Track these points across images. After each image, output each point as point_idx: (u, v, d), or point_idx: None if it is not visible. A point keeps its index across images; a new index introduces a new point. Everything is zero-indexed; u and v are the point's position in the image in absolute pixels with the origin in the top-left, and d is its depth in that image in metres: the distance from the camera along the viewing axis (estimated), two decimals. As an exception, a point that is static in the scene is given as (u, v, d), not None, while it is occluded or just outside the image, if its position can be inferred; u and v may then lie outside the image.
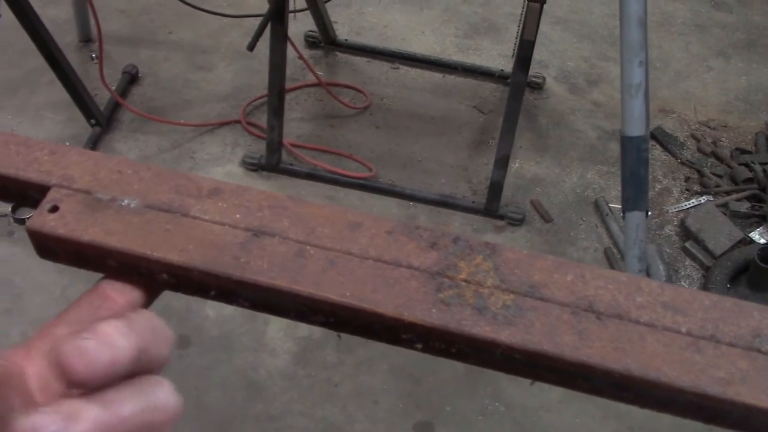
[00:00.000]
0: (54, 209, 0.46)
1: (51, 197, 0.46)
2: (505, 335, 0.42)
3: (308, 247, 0.45)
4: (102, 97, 2.64)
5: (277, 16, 2.19)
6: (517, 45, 2.20)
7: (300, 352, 2.12)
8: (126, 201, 0.46)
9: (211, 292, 0.45)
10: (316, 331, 2.16)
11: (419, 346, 0.44)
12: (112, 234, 0.44)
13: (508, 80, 2.81)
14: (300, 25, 2.88)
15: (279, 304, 0.45)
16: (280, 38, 2.24)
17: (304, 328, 2.16)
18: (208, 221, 0.46)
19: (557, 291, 0.43)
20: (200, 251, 0.44)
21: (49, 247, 0.45)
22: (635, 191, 1.89)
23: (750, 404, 0.40)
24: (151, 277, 0.45)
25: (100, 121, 2.54)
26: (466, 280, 0.44)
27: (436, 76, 2.86)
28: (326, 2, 2.67)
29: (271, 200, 0.47)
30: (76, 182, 0.47)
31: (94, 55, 2.83)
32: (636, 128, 1.83)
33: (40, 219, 0.45)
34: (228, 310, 2.18)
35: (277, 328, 2.16)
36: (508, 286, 0.44)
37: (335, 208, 0.47)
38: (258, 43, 2.27)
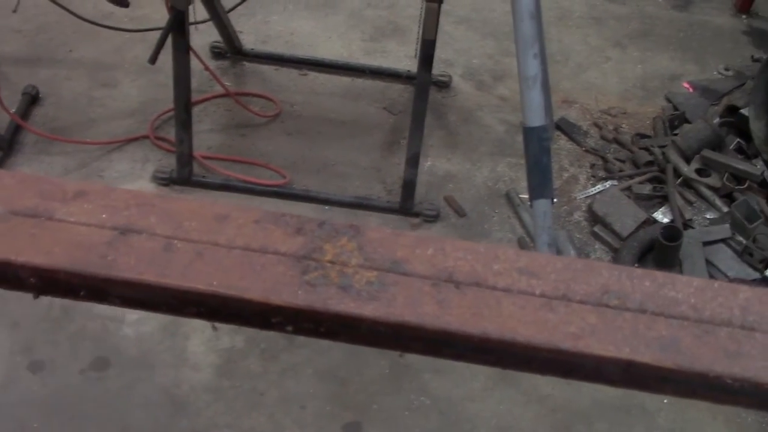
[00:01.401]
0: None
1: None
2: (369, 310, 0.43)
3: (175, 241, 0.46)
4: (2, 120, 2.56)
5: (178, 27, 2.17)
6: (419, 45, 2.23)
7: (223, 364, 2.10)
8: (-11, 209, 0.46)
9: (81, 292, 0.45)
10: (238, 342, 2.14)
11: (290, 328, 0.45)
12: (-26, 242, 0.44)
13: (413, 80, 2.86)
14: (205, 36, 2.86)
15: (149, 298, 0.45)
16: (182, 50, 2.22)
17: (225, 340, 2.15)
18: (74, 223, 0.46)
19: (419, 265, 0.45)
20: (66, 253, 0.44)
21: None
22: (540, 179, 1.95)
23: (600, 355, 0.43)
24: (18, 283, 0.45)
25: (1, 145, 2.47)
26: (331, 261, 0.45)
27: (345, 80, 2.88)
28: (229, 12, 2.66)
29: (138, 199, 0.48)
30: None
31: (-9, 78, 2.75)
32: (536, 118, 1.89)
33: None
34: (146, 327, 2.15)
35: (198, 342, 2.14)
36: (371, 263, 0.45)
37: (203, 202, 0.48)
38: (162, 57, 2.25)
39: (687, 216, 2.47)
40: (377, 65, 2.88)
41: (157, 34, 2.25)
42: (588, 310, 0.44)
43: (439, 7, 2.10)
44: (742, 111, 2.71)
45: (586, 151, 2.75)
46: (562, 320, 0.44)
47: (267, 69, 2.91)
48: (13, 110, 2.55)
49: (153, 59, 2.17)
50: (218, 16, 2.59)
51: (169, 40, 2.21)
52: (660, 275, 0.46)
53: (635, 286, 0.46)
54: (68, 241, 0.45)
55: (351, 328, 0.44)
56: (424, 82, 2.22)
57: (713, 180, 2.53)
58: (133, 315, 2.17)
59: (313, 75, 2.89)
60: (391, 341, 0.45)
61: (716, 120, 2.76)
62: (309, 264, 0.45)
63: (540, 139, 1.90)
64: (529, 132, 1.91)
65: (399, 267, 0.45)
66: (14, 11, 2.75)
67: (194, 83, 2.69)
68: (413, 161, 2.33)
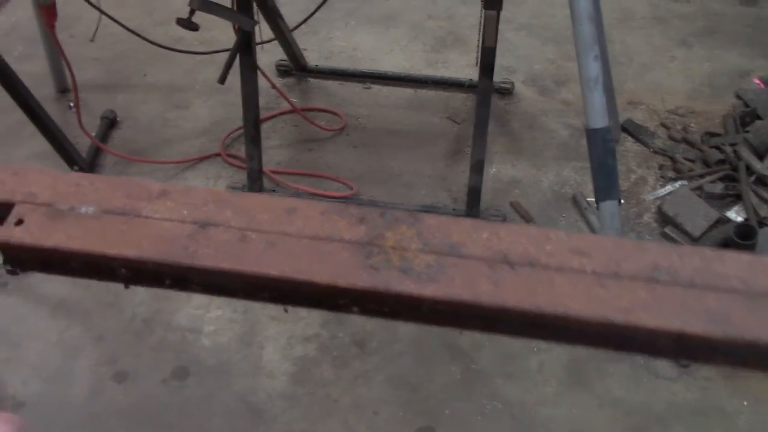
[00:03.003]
0: (19, 222, 0.50)
1: (16, 212, 0.51)
2: (429, 290, 0.46)
3: (249, 233, 0.50)
4: (84, 143, 2.69)
5: (245, 47, 2.25)
6: (479, 53, 2.26)
7: (297, 371, 2.15)
8: (84, 209, 0.51)
9: (166, 281, 0.50)
10: (311, 350, 2.19)
11: (356, 309, 0.48)
12: (72, 238, 0.49)
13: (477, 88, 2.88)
14: (270, 55, 2.95)
15: (227, 285, 0.49)
16: (250, 69, 2.30)
17: (299, 349, 2.20)
18: (159, 219, 0.50)
19: (474, 248, 0.48)
20: (153, 245, 0.49)
21: (17, 257, 0.50)
22: (606, 181, 1.94)
23: (650, 327, 0.45)
24: (111, 273, 0.49)
25: (83, 167, 2.60)
26: (392, 247, 0.48)
27: (408, 92, 2.93)
28: (292, 31, 2.73)
29: (215, 196, 0.52)
30: (38, 197, 0.52)
31: (71, 104, 2.89)
32: (598, 120, 1.89)
33: (7, 232, 0.50)
34: (223, 338, 2.22)
35: (272, 350, 2.19)
36: (430, 248, 0.48)
37: (274, 197, 0.52)
38: (231, 77, 2.33)
39: (762, 214, 2.41)
40: (439, 75, 2.92)
41: (225, 55, 2.33)
42: (638, 286, 0.46)
43: (498, 14, 2.12)
44: (817, 105, 2.63)
45: (654, 152, 2.71)
46: (613, 295, 0.46)
47: (331, 84, 2.98)
48: (93, 134, 2.68)
49: (222, 79, 2.26)
50: (282, 35, 2.67)
51: (237, 60, 2.30)
52: (709, 252, 0.48)
53: (684, 262, 0.47)
54: (154, 235, 0.49)
55: (412, 307, 0.48)
56: (485, 89, 2.24)
57: (787, 177, 2.46)
58: (210, 326, 2.25)
59: (376, 88, 2.95)
60: (450, 319, 0.48)
61: (789, 115, 2.69)
62: (372, 250, 0.48)
63: (604, 141, 1.90)
64: (592, 134, 1.91)
65: (456, 250, 0.48)
66: (92, 40, 2.90)
67: (262, 101, 2.78)
68: (478, 168, 2.35)
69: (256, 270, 0.48)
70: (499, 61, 3.00)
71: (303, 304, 0.50)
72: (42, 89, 2.89)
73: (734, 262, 0.48)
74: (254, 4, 2.25)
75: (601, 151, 1.92)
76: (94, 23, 2.75)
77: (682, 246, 0.48)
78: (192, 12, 2.08)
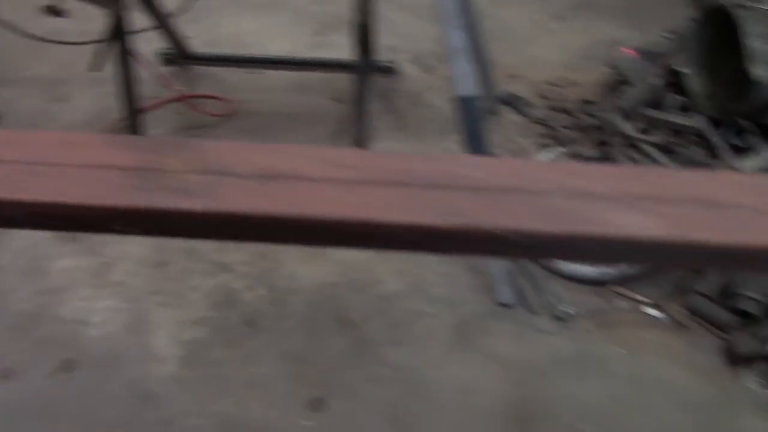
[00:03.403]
0: None
1: None
2: (200, 204, 0.50)
3: (38, 166, 0.52)
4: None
5: (117, 34, 2.23)
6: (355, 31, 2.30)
7: (187, 355, 2.16)
8: None
9: None
10: (202, 333, 2.20)
11: (135, 230, 0.51)
12: None
13: (361, 68, 2.93)
14: (155, 43, 2.92)
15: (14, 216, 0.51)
16: (123, 56, 2.28)
17: (188, 332, 2.21)
18: None
19: (245, 167, 0.52)
20: None
21: None
22: (475, 147, 2.01)
23: (397, 223, 0.49)
24: None
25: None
26: (168, 170, 0.52)
27: (294, 75, 2.95)
28: (171, 18, 2.72)
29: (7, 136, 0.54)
30: None
31: (-54, 102, 2.81)
32: (467, 88, 1.96)
33: None
34: (111, 327, 2.20)
35: (162, 336, 2.19)
36: (204, 169, 0.52)
37: (57, 133, 0.55)
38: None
39: (631, 174, 2.54)
40: (323, 58, 2.95)
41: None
42: (386, 190, 0.51)
43: (369, -8, 2.17)
44: (681, 70, 2.78)
45: (533, 122, 2.82)
46: (364, 199, 0.50)
47: (218, 71, 2.98)
48: (-32, 131, 2.60)
49: (94, 67, 2.24)
50: (161, 22, 2.65)
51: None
52: (450, 158, 0.53)
53: (429, 168, 0.52)
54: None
55: (186, 223, 0.51)
56: (362, 66, 2.29)
57: (655, 137, 2.60)
58: (97, 317, 2.23)
59: (262, 73, 2.96)
60: (222, 232, 0.52)
61: (657, 81, 2.84)
62: (148, 173, 0.52)
63: (473, 108, 1.97)
64: (461, 102, 1.98)
65: (228, 170, 0.52)
66: (-35, 37, 2.82)
67: (146, 90, 2.76)
68: (360, 144, 2.40)
69: (38, 199, 0.50)
70: (384, 41, 3.07)
71: (80, 229, 0.52)
72: None
73: (473, 163, 0.53)
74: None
75: (471, 118, 1.99)
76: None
77: (428, 156, 0.53)
78: (57, -2, 2.05)
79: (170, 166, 0.53)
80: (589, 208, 0.50)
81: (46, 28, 2.93)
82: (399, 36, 3.12)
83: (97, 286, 2.31)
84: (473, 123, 1.98)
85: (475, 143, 2.01)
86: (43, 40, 2.79)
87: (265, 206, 0.51)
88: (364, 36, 2.20)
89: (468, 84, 1.96)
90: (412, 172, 0.53)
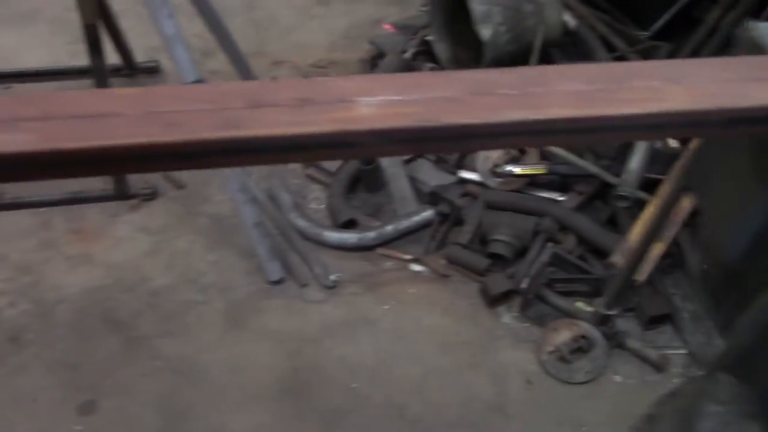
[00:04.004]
0: None
1: None
2: None
3: None
4: None
5: None
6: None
7: (-52, 380, 2.09)
8: None
9: None
10: (-38, 356, 2.13)
11: None
12: None
13: (123, 71, 2.92)
14: None
15: None
16: None
17: (-53, 357, 2.13)
18: None
19: None
20: None
21: None
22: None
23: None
24: None
25: None
26: None
27: (54, 85, 2.89)
28: None
29: None
30: None
31: None
32: (190, 74, 1.99)
33: None
34: None
35: None
36: None
37: None
38: None
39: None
40: (80, 65, 2.90)
41: None
42: None
43: (90, -8, 2.16)
44: (428, 38, 2.94)
45: (299, 103, 2.89)
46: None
47: (-28, 90, 2.87)
48: None
49: None
50: None
51: None
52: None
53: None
54: None
55: None
56: (98, 67, 2.27)
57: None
58: None
59: (19, 86, 2.88)
60: None
61: (411, 51, 2.98)
62: None
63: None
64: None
65: None
66: None
67: None
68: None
69: None
70: (145, 42, 3.06)
71: None
72: None
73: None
74: None
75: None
76: None
77: None
78: None
79: None
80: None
81: None
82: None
83: None
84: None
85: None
86: None
87: None
88: (91, 35, 2.19)
89: (191, 69, 1.99)
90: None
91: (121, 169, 0.60)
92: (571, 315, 2.21)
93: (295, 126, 0.62)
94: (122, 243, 2.44)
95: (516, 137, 0.70)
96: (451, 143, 0.71)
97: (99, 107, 0.60)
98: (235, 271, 2.39)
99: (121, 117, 0.59)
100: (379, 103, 0.68)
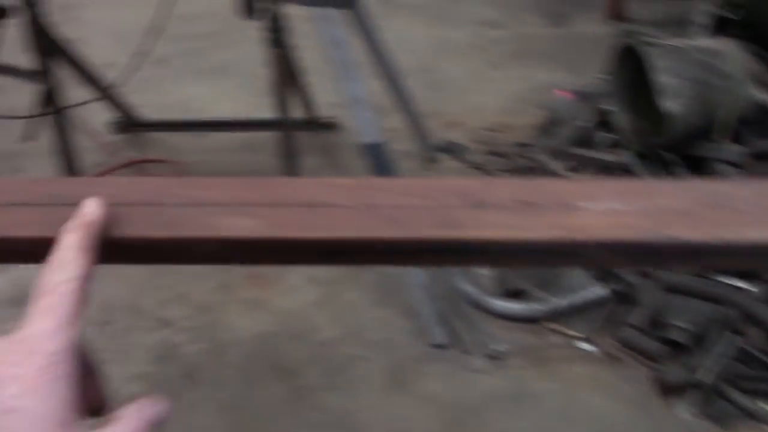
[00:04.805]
0: None
1: None
2: None
3: None
4: None
5: (51, 105, 2.34)
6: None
7: (127, 410, 2.20)
8: None
9: None
10: (142, 387, 2.25)
11: None
12: None
13: (305, 125, 3.05)
14: (105, 113, 3.04)
15: None
16: (60, 125, 2.39)
17: (129, 387, 2.25)
18: None
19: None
20: None
21: None
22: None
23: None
24: None
25: None
26: None
27: (240, 136, 3.06)
28: (114, 89, 2.84)
29: None
30: None
31: None
32: (370, 135, 2.05)
33: None
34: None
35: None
36: None
37: None
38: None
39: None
40: (264, 117, 3.05)
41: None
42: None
43: (283, 52, 2.28)
44: (609, 108, 2.88)
45: (471, 167, 2.90)
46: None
47: (166, 136, 3.09)
48: None
49: (28, 137, 2.34)
50: (103, 94, 2.77)
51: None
52: (92, 180, 0.61)
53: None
54: None
55: None
56: (283, 123, 2.38)
57: (583, 175, 2.68)
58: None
59: (209, 135, 3.07)
60: None
61: (587, 120, 2.93)
62: None
63: (379, 154, 2.05)
64: (367, 149, 2.06)
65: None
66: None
67: (94, 158, 2.87)
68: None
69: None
70: (330, 98, 3.18)
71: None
72: None
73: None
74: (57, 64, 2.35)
75: (378, 164, 2.07)
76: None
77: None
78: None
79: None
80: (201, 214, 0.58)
81: (2, 105, 3.07)
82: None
83: None
84: (383, 167, 2.06)
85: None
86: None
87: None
88: (282, 94, 2.30)
89: (374, 132, 2.05)
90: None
91: (341, 260, 0.60)
92: (757, 418, 2.04)
93: (516, 230, 0.60)
94: (293, 291, 2.52)
95: (754, 259, 0.64)
96: (681, 261, 0.67)
97: (321, 196, 0.61)
98: (399, 329, 2.40)
99: (342, 208, 0.60)
100: (603, 210, 0.65)
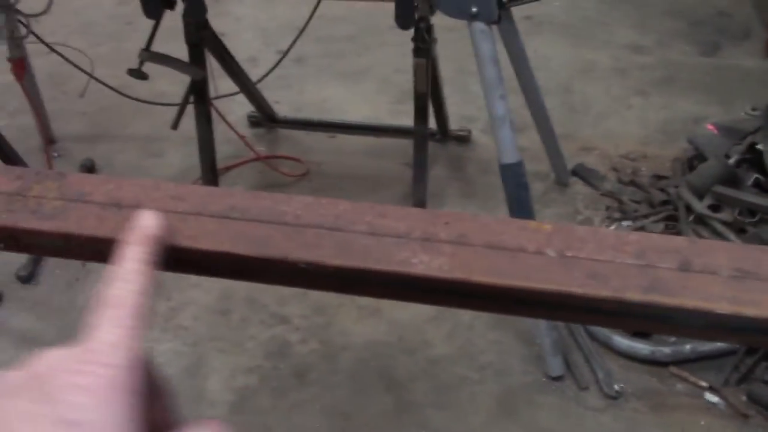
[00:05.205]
0: None
1: None
2: (47, 225, 0.58)
3: None
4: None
5: (198, 96, 2.42)
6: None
7: (237, 401, 2.24)
8: None
9: None
10: (253, 380, 2.29)
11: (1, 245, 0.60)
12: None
13: (436, 136, 3.02)
14: (244, 107, 3.12)
15: None
16: (204, 117, 2.47)
17: (241, 379, 2.29)
18: None
19: (98, 196, 0.60)
20: None
21: None
22: (520, 213, 2.03)
23: (213, 250, 0.55)
24: None
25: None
26: (34, 196, 0.60)
27: (370, 140, 3.06)
28: (256, 84, 2.91)
29: None
30: None
31: (56, 154, 3.10)
32: (509, 156, 1.99)
33: None
34: (170, 369, 2.32)
35: (216, 381, 2.29)
36: (63, 196, 0.60)
37: None
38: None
39: (699, 251, 2.46)
40: (397, 124, 3.05)
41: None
42: (213, 221, 0.58)
43: (428, 62, 2.26)
44: (758, 146, 2.70)
45: (602, 194, 2.79)
46: (190, 229, 0.57)
47: (298, 134, 3.14)
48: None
49: (175, 125, 2.42)
50: (246, 88, 2.84)
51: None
52: (281, 197, 0.59)
53: (257, 203, 0.59)
54: None
55: (36, 242, 0.59)
56: (420, 132, 2.37)
57: (726, 215, 2.52)
58: (159, 358, 2.36)
59: (340, 137, 3.10)
60: (65, 251, 0.59)
61: (735, 158, 2.76)
62: (16, 198, 0.60)
63: (516, 176, 2.00)
64: (504, 169, 2.01)
65: (82, 197, 0.60)
66: (81, 96, 3.12)
67: (231, 150, 2.96)
68: (419, 206, 2.46)
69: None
70: (460, 110, 3.16)
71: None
72: (30, 140, 3.10)
73: (297, 203, 0.60)
74: (209, 57, 2.43)
75: (514, 185, 2.02)
76: (85, 80, 2.99)
77: (260, 193, 0.60)
78: (141, 63, 2.26)
79: (37, 192, 0.61)
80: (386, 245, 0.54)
81: (152, 90, 3.21)
82: (476, 106, 3.18)
83: (164, 330, 2.45)
84: (518, 190, 2.00)
85: (520, 209, 2.03)
86: (144, 101, 3.06)
87: (102, 231, 0.58)
88: (420, 102, 2.28)
89: (512, 152, 1.99)
90: (243, 207, 0.59)
91: (530, 312, 0.56)
92: None
93: (731, 303, 0.54)
94: (410, 304, 2.48)
95: None
96: None
97: (512, 240, 0.57)
98: (513, 355, 2.33)
99: (540, 256, 0.55)
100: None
